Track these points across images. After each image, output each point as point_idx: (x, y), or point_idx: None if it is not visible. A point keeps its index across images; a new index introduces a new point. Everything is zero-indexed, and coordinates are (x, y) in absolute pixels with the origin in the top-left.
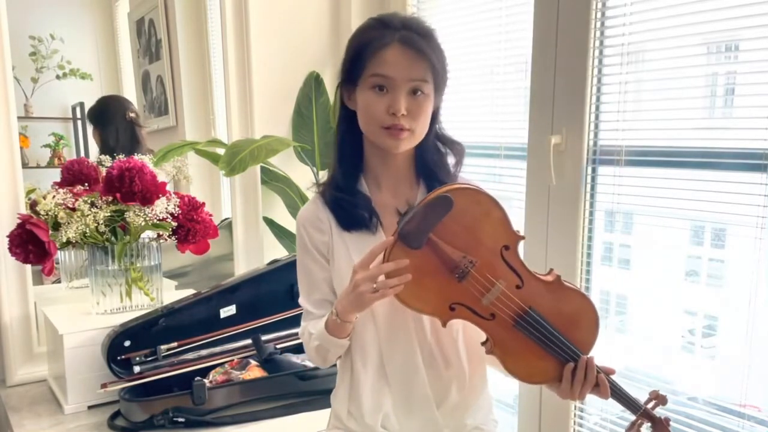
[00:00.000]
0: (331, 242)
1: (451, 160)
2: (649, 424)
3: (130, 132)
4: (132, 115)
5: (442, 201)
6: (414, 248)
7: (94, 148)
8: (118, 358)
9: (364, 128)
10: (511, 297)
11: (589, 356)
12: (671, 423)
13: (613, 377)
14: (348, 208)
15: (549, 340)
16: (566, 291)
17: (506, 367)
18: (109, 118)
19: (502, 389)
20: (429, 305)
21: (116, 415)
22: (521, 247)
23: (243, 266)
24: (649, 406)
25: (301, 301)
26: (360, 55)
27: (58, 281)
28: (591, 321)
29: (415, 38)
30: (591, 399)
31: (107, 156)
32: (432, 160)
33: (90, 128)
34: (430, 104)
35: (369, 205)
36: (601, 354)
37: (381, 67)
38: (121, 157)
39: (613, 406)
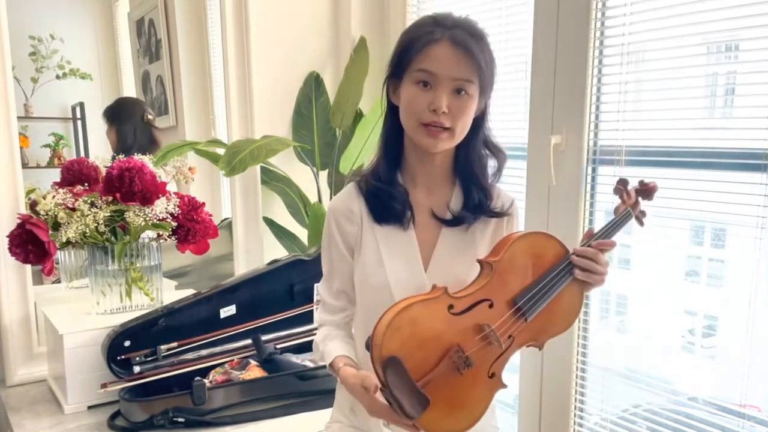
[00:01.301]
0: (360, 234)
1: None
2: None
3: (148, 133)
4: (150, 117)
5: (394, 368)
6: (426, 406)
7: (94, 148)
8: (118, 358)
9: (404, 123)
10: (501, 318)
11: (574, 250)
12: (672, 422)
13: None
14: (385, 199)
15: (551, 289)
16: (507, 259)
17: (556, 335)
18: (127, 117)
19: (502, 389)
20: (483, 401)
21: (116, 415)
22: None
23: (243, 266)
24: (630, 202)
25: (320, 287)
26: (408, 50)
27: (58, 281)
28: (541, 240)
29: (465, 38)
30: (591, 399)
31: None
32: (473, 163)
33: (104, 128)
34: (473, 105)
35: (406, 198)
36: (601, 353)
37: (427, 63)
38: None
39: (613, 407)
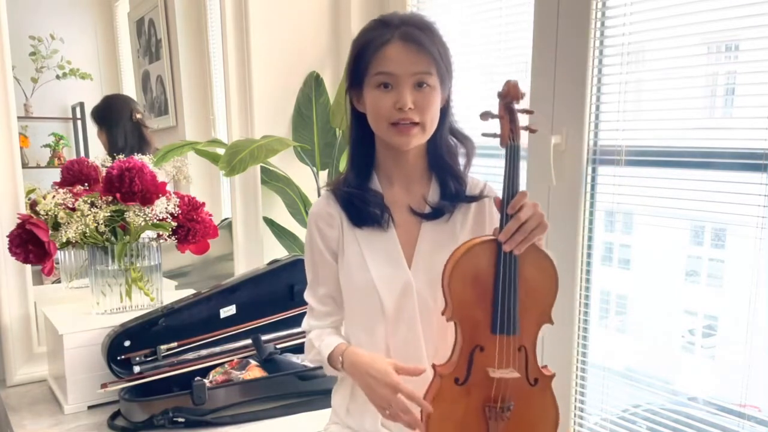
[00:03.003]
0: (342, 238)
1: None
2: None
3: (138, 133)
4: (138, 116)
5: None
6: None
7: (94, 148)
8: (118, 358)
9: (374, 127)
10: (498, 354)
11: (499, 238)
12: (672, 422)
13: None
14: (359, 204)
15: (512, 289)
16: (457, 304)
17: (554, 299)
18: (116, 119)
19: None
20: (548, 405)
21: (116, 415)
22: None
23: (243, 266)
24: (506, 127)
25: (306, 295)
26: (362, 56)
27: (58, 281)
28: (468, 258)
29: (415, 33)
30: (591, 399)
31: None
32: (443, 152)
33: (95, 129)
34: (437, 96)
35: (381, 201)
36: (601, 353)
37: (383, 65)
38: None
39: (613, 407)
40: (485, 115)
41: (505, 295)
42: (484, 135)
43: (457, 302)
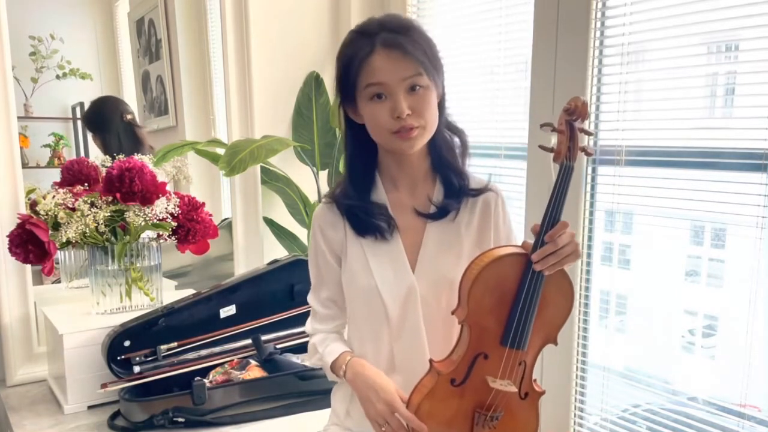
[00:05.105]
0: (346, 242)
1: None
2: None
3: (132, 134)
4: (129, 117)
5: None
6: None
7: (94, 148)
8: (118, 358)
9: (375, 138)
10: (500, 365)
11: (531, 258)
12: (672, 422)
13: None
14: (362, 216)
15: (531, 307)
16: (474, 308)
17: (563, 323)
18: (107, 124)
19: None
20: (531, 419)
21: (116, 415)
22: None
23: (243, 266)
24: (563, 146)
25: (309, 297)
26: (349, 71)
27: (58, 281)
28: (495, 266)
29: (396, 38)
30: (591, 399)
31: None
32: (442, 149)
33: (89, 134)
34: (432, 95)
35: (385, 212)
36: (601, 353)
37: (372, 76)
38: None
39: (613, 407)
40: (545, 126)
41: (524, 311)
42: (540, 147)
43: (474, 306)
